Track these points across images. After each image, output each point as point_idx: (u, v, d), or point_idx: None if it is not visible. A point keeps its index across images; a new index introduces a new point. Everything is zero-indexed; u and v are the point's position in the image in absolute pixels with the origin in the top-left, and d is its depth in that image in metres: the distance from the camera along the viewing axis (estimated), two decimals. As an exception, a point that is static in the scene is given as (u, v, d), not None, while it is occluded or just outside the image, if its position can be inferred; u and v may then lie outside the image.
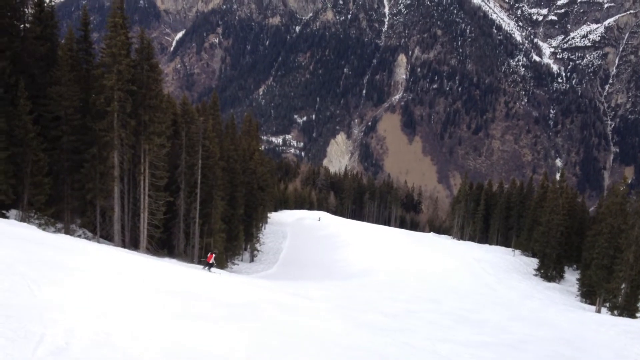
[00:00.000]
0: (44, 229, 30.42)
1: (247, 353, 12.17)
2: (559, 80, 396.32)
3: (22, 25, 37.44)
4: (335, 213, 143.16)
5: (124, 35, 38.48)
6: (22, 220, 32.74)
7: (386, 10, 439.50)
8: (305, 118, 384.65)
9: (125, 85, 37.98)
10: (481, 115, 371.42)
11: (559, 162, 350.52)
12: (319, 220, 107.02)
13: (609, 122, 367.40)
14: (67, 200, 39.33)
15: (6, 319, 9.49)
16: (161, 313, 14.11)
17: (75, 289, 13.64)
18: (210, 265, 38.34)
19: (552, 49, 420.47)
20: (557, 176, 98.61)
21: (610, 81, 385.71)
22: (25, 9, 37.85)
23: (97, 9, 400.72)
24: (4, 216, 31.93)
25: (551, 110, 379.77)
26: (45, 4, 39.64)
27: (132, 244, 42.91)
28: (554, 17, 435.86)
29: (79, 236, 36.95)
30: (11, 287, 11.89)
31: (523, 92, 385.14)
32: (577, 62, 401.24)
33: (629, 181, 69.19)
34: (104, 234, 41.04)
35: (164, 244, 48.37)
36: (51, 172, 36.19)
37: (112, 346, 9.94)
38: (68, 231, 37.97)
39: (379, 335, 19.79)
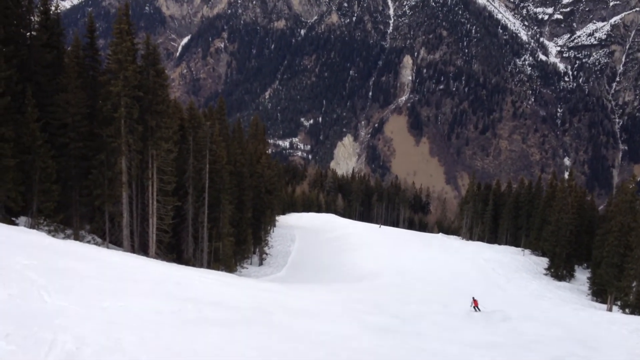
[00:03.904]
0: (53, 236, 30.51)
1: (256, 357, 12.17)
2: (566, 79, 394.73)
3: (28, 34, 37.58)
4: (343, 215, 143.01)
5: (129, 42, 38.58)
6: (32, 227, 32.86)
7: (391, 11, 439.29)
8: (311, 121, 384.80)
9: (131, 91, 38.06)
10: (488, 115, 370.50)
11: (567, 161, 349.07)
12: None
13: (617, 120, 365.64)
14: (76, 206, 39.46)
15: (17, 325, 9.52)
16: (172, 318, 14.13)
17: (85, 295, 13.68)
18: None
19: (559, 48, 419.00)
20: (566, 175, 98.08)
21: (618, 79, 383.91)
22: (32, 17, 37.98)
23: (102, 16, 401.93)
24: (14, 223, 32.06)
25: (558, 109, 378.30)
26: (51, 12, 39.78)
27: (142, 249, 42.99)
28: (560, 16, 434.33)
29: (89, 242, 37.05)
30: (21, 294, 11.92)
31: (530, 92, 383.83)
32: (584, 60, 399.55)
33: (639, 179, 68.69)
34: (113, 240, 41.13)
35: (173, 249, 48.46)
36: (59, 179, 36.29)
37: (122, 352, 9.96)
38: (77, 237, 38.08)
39: (388, 337, 19.76)
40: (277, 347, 14.02)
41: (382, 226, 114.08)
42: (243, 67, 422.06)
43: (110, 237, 40.52)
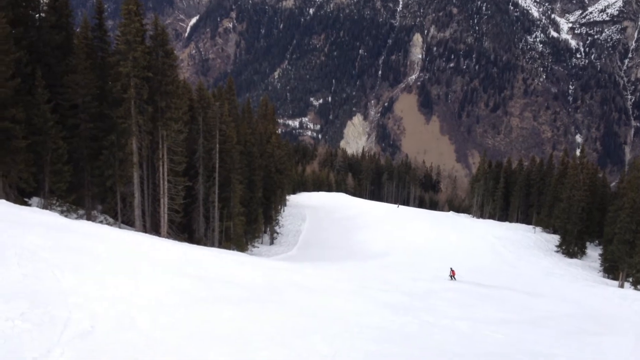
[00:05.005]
0: (66, 216, 30.71)
1: (269, 334, 12.26)
2: (578, 55, 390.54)
3: (37, 15, 37.55)
4: (353, 194, 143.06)
5: (138, 22, 38.47)
6: (44, 207, 33.09)
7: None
8: (321, 100, 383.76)
9: (141, 72, 38.04)
10: (499, 93, 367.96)
11: (579, 138, 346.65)
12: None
13: (629, 97, 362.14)
14: (88, 187, 39.67)
15: (31, 304, 9.63)
16: (184, 296, 14.23)
17: (99, 274, 13.80)
18: None
19: (570, 24, 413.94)
20: (578, 152, 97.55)
21: (630, 55, 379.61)
22: (40, -1, 37.99)
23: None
24: (26, 204, 32.26)
25: (570, 86, 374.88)
26: (60, -7, 39.71)
27: (153, 228, 43.23)
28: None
29: (101, 222, 37.28)
30: (35, 273, 12.04)
31: (541, 69, 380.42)
32: (596, 36, 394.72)
33: (651, 155, 68.31)
34: (125, 220, 41.38)
35: (184, 228, 48.69)
36: (71, 160, 36.45)
37: (136, 329, 10.07)
38: (90, 217, 38.33)
39: (400, 314, 19.84)
40: (290, 323, 14.12)
41: (400, 206, 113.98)
42: (252, 47, 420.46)
43: (122, 217, 40.77)
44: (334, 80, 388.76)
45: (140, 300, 12.41)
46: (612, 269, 60.73)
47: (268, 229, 72.65)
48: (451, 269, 41.20)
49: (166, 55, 41.20)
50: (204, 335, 10.88)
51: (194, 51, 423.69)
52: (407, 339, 15.59)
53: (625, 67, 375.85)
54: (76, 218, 33.96)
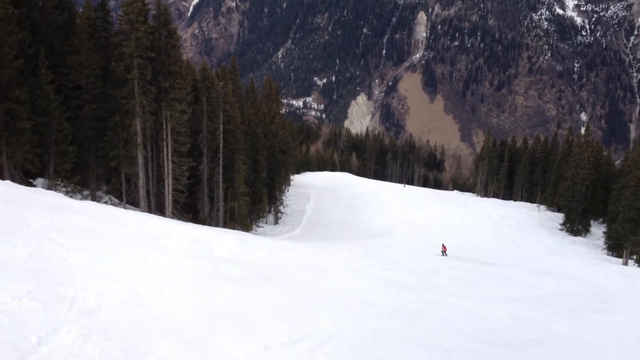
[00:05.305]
0: (71, 197, 30.80)
1: (274, 312, 12.34)
2: (583, 33, 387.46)
3: (39, -5, 37.44)
4: (357, 174, 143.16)
5: (140, 2, 38.34)
6: (49, 188, 33.20)
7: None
8: (325, 80, 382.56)
9: (144, 52, 37.97)
10: (504, 72, 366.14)
11: (584, 116, 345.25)
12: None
13: (635, 74, 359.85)
14: (92, 167, 39.78)
15: (37, 283, 9.69)
16: (190, 275, 14.31)
17: (104, 253, 13.87)
18: None
19: (576, 1, 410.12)
20: (582, 130, 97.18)
21: (635, 32, 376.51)
22: (42, -21, 37.77)
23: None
24: (31, 185, 32.39)
25: (575, 64, 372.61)
26: (62, -27, 39.49)
27: (158, 209, 43.39)
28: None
29: (106, 203, 37.40)
30: (41, 253, 12.11)
31: (546, 47, 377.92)
32: (601, 14, 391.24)
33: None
34: (129, 200, 41.54)
35: (189, 209, 48.89)
36: (75, 141, 36.52)
37: (142, 307, 10.13)
38: (95, 198, 38.48)
39: (404, 292, 19.92)
40: (295, 302, 14.20)
41: (406, 186, 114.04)
42: (255, 27, 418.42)
43: (127, 197, 40.92)
44: (337, 60, 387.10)
45: (146, 278, 12.49)
46: (616, 247, 60.80)
47: (272, 209, 72.83)
48: (442, 244, 42.80)
49: (169, 35, 41.11)
50: (210, 313, 10.95)
51: (197, 31, 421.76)
52: (411, 317, 15.66)
53: (630, 45, 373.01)
54: (81, 199, 34.06)
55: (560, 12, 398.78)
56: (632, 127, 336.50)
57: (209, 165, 50.50)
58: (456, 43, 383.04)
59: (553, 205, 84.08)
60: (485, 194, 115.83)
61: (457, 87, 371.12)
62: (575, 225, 70.85)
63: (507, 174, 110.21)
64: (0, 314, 7.93)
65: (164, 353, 8.15)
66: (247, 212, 57.96)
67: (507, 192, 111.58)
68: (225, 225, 50.91)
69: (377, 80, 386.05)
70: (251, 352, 9.04)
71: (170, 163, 41.94)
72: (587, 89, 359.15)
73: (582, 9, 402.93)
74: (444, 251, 41.86)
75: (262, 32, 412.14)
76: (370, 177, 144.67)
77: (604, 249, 63.15)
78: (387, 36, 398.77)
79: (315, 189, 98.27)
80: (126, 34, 37.83)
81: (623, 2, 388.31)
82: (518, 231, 65.71)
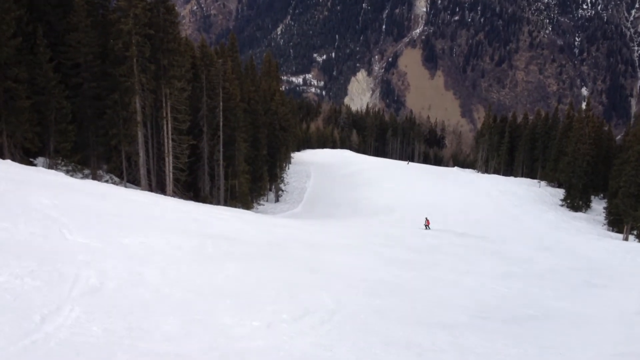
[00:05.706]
0: (71, 175, 30.79)
1: (276, 289, 12.40)
2: (584, 6, 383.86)
3: (36, -28, 37.05)
4: (358, 151, 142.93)
5: (138, -22, 37.99)
6: (50, 167, 33.19)
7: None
8: (324, 56, 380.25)
9: (142, 29, 37.68)
10: (504, 46, 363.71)
11: (584, 91, 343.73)
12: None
13: (636, 48, 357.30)
14: (93, 146, 39.67)
15: (40, 261, 9.73)
16: (191, 253, 14.36)
17: (106, 232, 13.89)
18: None
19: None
20: (583, 105, 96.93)
21: (637, 6, 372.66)
22: (39, -45, 37.36)
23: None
24: (32, 164, 32.35)
25: (576, 38, 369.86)
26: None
27: (159, 187, 43.39)
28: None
29: (106, 181, 37.42)
30: (43, 232, 12.14)
31: (547, 21, 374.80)
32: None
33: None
34: (130, 179, 41.52)
35: (189, 187, 48.87)
36: (75, 120, 36.36)
37: (144, 285, 10.19)
38: (95, 177, 38.44)
39: (405, 269, 20.01)
40: (296, 279, 14.26)
41: (410, 163, 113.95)
42: (254, 3, 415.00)
43: (127, 176, 40.89)
44: (337, 36, 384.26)
45: (147, 257, 12.53)
46: (616, 222, 60.85)
47: (273, 187, 72.83)
48: (426, 218, 43.47)
49: (167, 12, 40.75)
50: (212, 290, 11.01)
51: (195, 7, 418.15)
52: (412, 294, 15.75)
53: (632, 18, 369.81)
54: (82, 177, 34.05)
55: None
56: (633, 101, 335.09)
57: (209, 143, 50.40)
58: (456, 18, 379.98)
59: (554, 180, 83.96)
60: (486, 170, 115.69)
61: (458, 62, 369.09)
62: (576, 201, 70.82)
63: (507, 150, 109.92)
64: (3, 292, 7.97)
65: (167, 329, 8.20)
66: (248, 190, 57.92)
67: (508, 168, 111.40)
68: (226, 204, 50.91)
69: (377, 56, 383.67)
70: (254, 329, 9.10)
71: (170, 141, 41.85)
72: (588, 63, 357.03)
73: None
74: (427, 225, 42.39)
75: (261, 8, 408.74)
76: (370, 154, 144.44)
77: (604, 224, 63.21)
78: (386, 11, 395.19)
79: (315, 167, 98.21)
80: (124, 10, 37.49)
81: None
82: (519, 207, 65.75)
